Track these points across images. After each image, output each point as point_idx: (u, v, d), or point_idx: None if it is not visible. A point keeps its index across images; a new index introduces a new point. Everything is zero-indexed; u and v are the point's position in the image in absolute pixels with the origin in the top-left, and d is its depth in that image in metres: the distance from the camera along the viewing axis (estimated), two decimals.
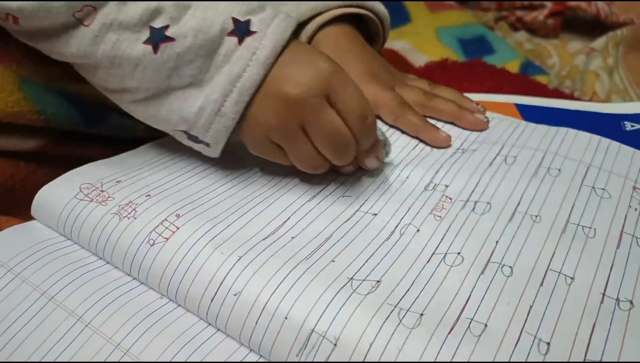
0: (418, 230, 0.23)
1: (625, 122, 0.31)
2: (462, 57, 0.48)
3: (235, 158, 0.27)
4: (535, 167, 0.26)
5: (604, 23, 0.60)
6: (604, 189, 0.24)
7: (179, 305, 0.21)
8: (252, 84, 0.23)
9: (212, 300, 0.20)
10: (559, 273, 0.20)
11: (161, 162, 0.27)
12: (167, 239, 0.21)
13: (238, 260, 0.20)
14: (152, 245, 0.21)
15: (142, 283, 0.22)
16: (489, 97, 0.35)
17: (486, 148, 0.28)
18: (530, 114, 0.33)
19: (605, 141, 0.28)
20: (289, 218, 0.23)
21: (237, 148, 0.26)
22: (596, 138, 0.28)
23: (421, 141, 0.29)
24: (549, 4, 0.58)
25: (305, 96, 0.22)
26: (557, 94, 0.37)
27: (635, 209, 0.23)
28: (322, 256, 0.21)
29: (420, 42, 0.47)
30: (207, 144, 0.24)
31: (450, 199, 0.24)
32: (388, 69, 0.34)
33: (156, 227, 0.22)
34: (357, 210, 0.24)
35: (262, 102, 0.23)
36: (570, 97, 0.37)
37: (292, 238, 0.22)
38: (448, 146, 0.28)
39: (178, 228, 0.22)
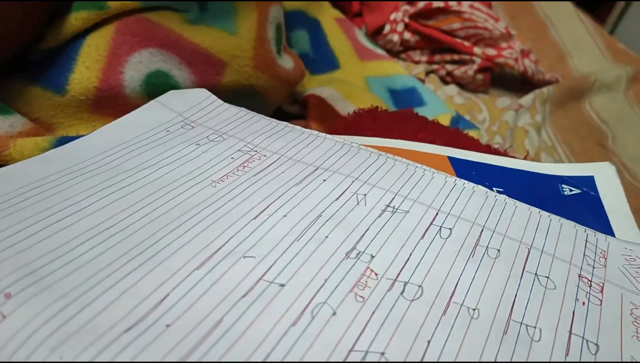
0: (334, 313, 0.18)
1: (563, 186, 0.29)
2: (392, 107, 0.46)
3: (114, 199, 0.21)
4: (473, 245, 0.22)
5: (531, 81, 0.61)
6: (547, 277, 0.21)
7: None
8: None
9: None
10: None
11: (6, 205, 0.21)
12: None
13: None
14: None
15: None
16: (422, 147, 0.32)
17: (419, 211, 0.24)
18: (463, 169, 0.30)
19: (546, 217, 0.25)
20: (168, 295, 0.18)
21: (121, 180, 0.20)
22: (536, 213, 0.25)
23: (347, 189, 0.24)
24: (478, 60, 0.58)
25: None
26: (490, 149, 0.35)
27: (583, 303, 0.20)
28: (206, 355, 0.16)
29: (349, 90, 0.44)
30: None
31: (377, 274, 0.20)
32: None
33: None
34: (259, 279, 0.19)
35: None
36: (504, 154, 0.34)
37: (167, 326, 0.17)
38: None
39: (4, 317, 0.16)
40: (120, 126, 0.28)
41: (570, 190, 0.29)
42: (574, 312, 0.20)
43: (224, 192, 0.23)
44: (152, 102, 0.30)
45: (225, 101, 0.32)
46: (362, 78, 0.49)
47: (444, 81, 0.60)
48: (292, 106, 0.45)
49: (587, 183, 0.30)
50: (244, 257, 0.20)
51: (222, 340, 0.17)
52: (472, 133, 0.48)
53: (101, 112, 0.31)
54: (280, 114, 0.45)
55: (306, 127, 0.43)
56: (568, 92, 0.61)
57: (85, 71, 0.30)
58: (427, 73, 0.59)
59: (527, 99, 0.57)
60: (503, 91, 0.60)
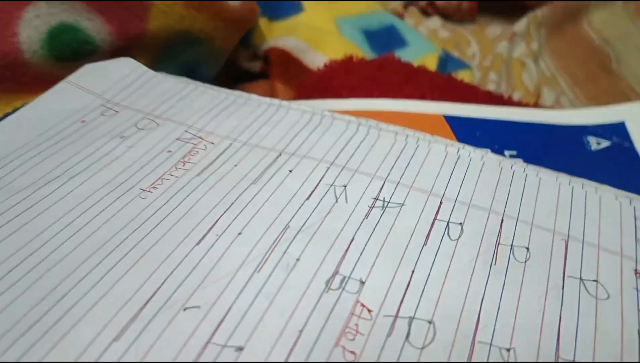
0: None
1: (589, 139, 0.24)
2: (369, 53, 0.39)
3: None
4: (493, 246, 0.16)
5: (522, 3, 0.53)
6: (596, 281, 0.16)
7: None
8: None
9: None
10: None
11: None
12: None
13: None
14: None
15: None
16: (410, 105, 0.26)
17: (417, 202, 0.18)
18: (464, 130, 0.24)
19: (579, 189, 0.19)
20: None
21: None
22: (566, 183, 0.19)
23: (321, 181, 0.18)
24: None
25: None
26: (491, 97, 0.29)
27: None
28: None
29: (317, 37, 0.37)
30: None
31: (370, 311, 0.14)
32: None
33: None
34: (207, 342, 0.13)
35: None
36: (509, 101, 0.28)
37: None
38: None
39: None
40: (15, 123, 0.21)
41: (598, 143, 0.23)
42: (639, 332, 0.14)
43: (157, 206, 0.17)
44: (60, 84, 0.23)
45: (161, 55, 0.25)
46: (332, 20, 0.41)
47: (426, 12, 0.52)
48: (253, 63, 0.38)
49: (618, 131, 0.24)
50: (184, 310, 0.14)
51: None
52: (463, 74, 0.41)
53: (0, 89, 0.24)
54: (240, 74, 0.38)
55: (271, 89, 0.37)
56: (564, 11, 0.54)
57: None
58: (406, 6, 0.52)
59: (520, 24, 0.50)
60: (492, 18, 0.53)
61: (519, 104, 0.29)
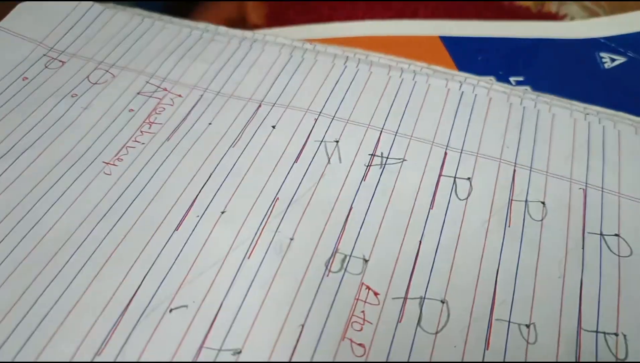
0: None
1: (602, 55, 0.21)
2: None
3: None
4: (506, 204, 0.15)
5: None
6: (618, 235, 0.14)
7: None
8: None
9: None
10: None
11: None
12: None
13: None
14: None
15: None
16: (402, 27, 0.23)
17: (420, 156, 0.16)
18: (464, 53, 0.21)
19: (596, 124, 0.17)
20: None
21: None
22: (581, 118, 0.17)
23: (309, 137, 0.16)
24: None
25: None
26: (489, 5, 0.25)
27: None
28: None
29: None
30: None
31: (377, 294, 0.13)
32: None
33: None
34: (200, 346, 0.12)
35: None
36: (511, 11, 0.25)
37: None
38: None
39: None
40: None
41: (612, 60, 0.21)
42: None
43: (124, 183, 0.15)
44: None
45: None
46: None
47: None
48: None
49: (633, 43, 0.21)
50: (170, 311, 0.13)
51: None
52: None
53: None
54: None
55: (239, 7, 0.32)
56: None
57: None
58: None
59: None
60: None
61: (521, 10, 0.26)
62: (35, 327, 0.12)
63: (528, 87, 0.20)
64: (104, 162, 0.16)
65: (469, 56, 0.21)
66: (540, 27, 0.23)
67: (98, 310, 0.13)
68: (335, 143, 0.16)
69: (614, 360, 0.12)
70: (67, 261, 0.13)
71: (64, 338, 0.12)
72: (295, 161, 0.16)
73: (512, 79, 0.20)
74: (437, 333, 0.12)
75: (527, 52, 0.21)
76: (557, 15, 0.27)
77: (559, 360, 0.12)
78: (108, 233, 0.14)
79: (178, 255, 0.14)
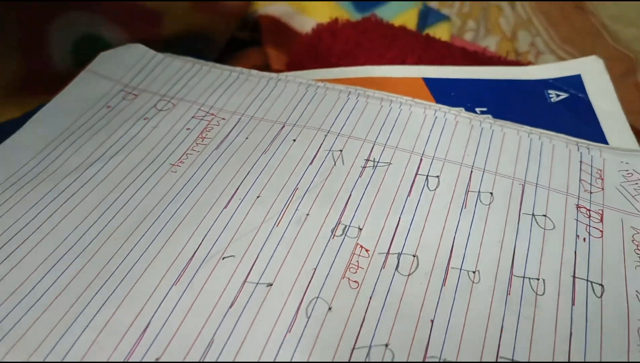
0: (330, 309, 0.17)
1: (550, 92, 0.27)
2: (354, 13, 0.41)
3: (64, 215, 0.19)
4: (464, 193, 0.20)
5: None
6: (545, 216, 0.20)
7: None
8: None
9: None
10: (512, 360, 0.16)
11: None
12: None
13: None
14: None
15: None
16: (393, 71, 0.29)
17: (402, 160, 0.22)
18: (441, 90, 0.28)
19: (537, 140, 0.23)
20: (149, 323, 0.16)
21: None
22: (525, 136, 0.23)
23: (321, 147, 0.22)
24: None
25: None
26: (465, 54, 0.32)
27: (584, 239, 0.19)
28: None
29: (303, 2, 0.40)
30: None
31: (367, 251, 0.18)
32: None
33: None
34: (244, 281, 0.17)
35: None
36: (482, 58, 0.31)
37: (157, 359, 0.15)
38: None
39: None
40: (52, 112, 0.24)
41: (557, 95, 0.27)
42: (575, 253, 0.19)
43: (186, 178, 0.21)
44: (82, 73, 0.26)
45: (171, 51, 0.28)
46: None
47: None
48: (242, 32, 0.40)
49: (574, 84, 0.27)
50: (223, 258, 0.18)
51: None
52: (443, 26, 0.44)
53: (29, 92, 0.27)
54: (231, 43, 0.40)
55: (264, 55, 0.39)
56: None
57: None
58: None
59: None
60: None
61: (491, 59, 0.32)
62: (130, 267, 0.18)
63: (489, 116, 0.26)
64: (170, 164, 0.22)
65: (445, 93, 0.27)
66: (503, 71, 0.29)
67: (173, 257, 0.18)
68: (340, 152, 0.22)
69: (534, 295, 0.17)
70: (148, 229, 0.19)
71: (150, 275, 0.18)
72: (310, 163, 0.22)
73: (477, 109, 0.26)
74: (409, 275, 0.18)
75: (491, 89, 0.27)
76: (519, 61, 0.33)
77: (494, 295, 0.17)
78: (176, 211, 0.20)
79: (227, 224, 0.19)
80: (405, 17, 0.42)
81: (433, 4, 0.50)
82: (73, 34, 0.27)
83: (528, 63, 0.32)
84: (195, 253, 0.18)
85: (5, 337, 0.16)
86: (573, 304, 0.17)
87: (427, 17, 0.45)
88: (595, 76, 0.27)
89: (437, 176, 0.21)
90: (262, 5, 0.40)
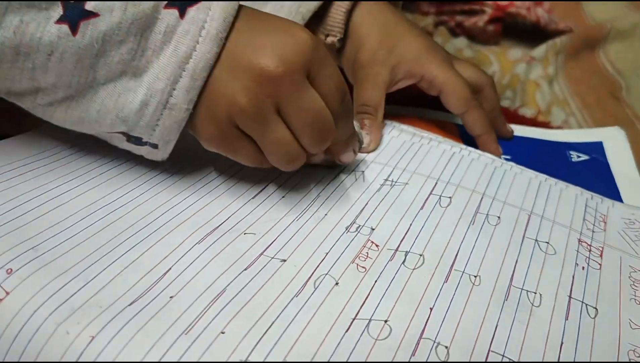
0: (337, 284, 0.18)
1: (571, 153, 0.29)
2: None
3: (114, 175, 0.22)
4: (473, 213, 0.22)
5: (544, 30, 0.58)
6: (547, 243, 0.21)
7: None
8: (205, 64, 0.19)
9: None
10: (503, 355, 0.17)
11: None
12: None
13: (90, 341, 0.15)
14: None
15: None
16: (431, 112, 0.32)
17: (418, 182, 0.24)
18: (470, 136, 0.30)
19: (545, 183, 0.25)
20: (170, 268, 0.18)
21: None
22: (536, 179, 0.25)
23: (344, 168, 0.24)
24: (489, 10, 0.56)
25: (286, 70, 0.19)
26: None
27: (583, 267, 0.20)
28: (210, 324, 0.16)
29: None
30: (154, 146, 0.20)
31: (377, 246, 0.20)
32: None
33: None
34: (260, 254, 0.19)
35: (224, 80, 0.19)
36: (514, 116, 0.34)
37: (171, 297, 0.17)
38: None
39: (7, 293, 0.16)
40: None
41: (579, 156, 0.29)
42: (573, 277, 0.20)
43: (218, 172, 0.24)
44: None
45: None
46: None
47: (454, 32, 0.58)
48: None
49: (596, 149, 0.29)
50: (245, 234, 0.20)
51: (225, 309, 0.17)
52: None
53: None
54: None
55: None
56: (582, 42, 0.59)
57: None
58: (436, 25, 0.57)
59: (539, 50, 0.55)
60: (515, 42, 0.58)
61: (522, 118, 0.34)
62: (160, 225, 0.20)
63: (512, 162, 0.27)
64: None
65: (472, 138, 0.30)
66: (529, 130, 0.31)
67: (201, 222, 0.20)
68: (362, 172, 0.24)
69: (530, 305, 0.19)
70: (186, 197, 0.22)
71: (178, 233, 0.20)
72: (332, 180, 0.24)
73: (502, 156, 0.28)
74: (414, 269, 0.19)
75: (517, 143, 0.30)
76: (549, 123, 0.35)
77: (492, 297, 0.19)
78: (204, 206, 0.22)
79: (253, 209, 0.21)
80: None
81: None
82: None
83: (556, 127, 0.34)
84: (221, 224, 0.21)
85: (41, 256, 0.18)
86: (566, 319, 0.18)
87: None
88: (616, 144, 0.29)
89: (450, 197, 0.23)
90: None
